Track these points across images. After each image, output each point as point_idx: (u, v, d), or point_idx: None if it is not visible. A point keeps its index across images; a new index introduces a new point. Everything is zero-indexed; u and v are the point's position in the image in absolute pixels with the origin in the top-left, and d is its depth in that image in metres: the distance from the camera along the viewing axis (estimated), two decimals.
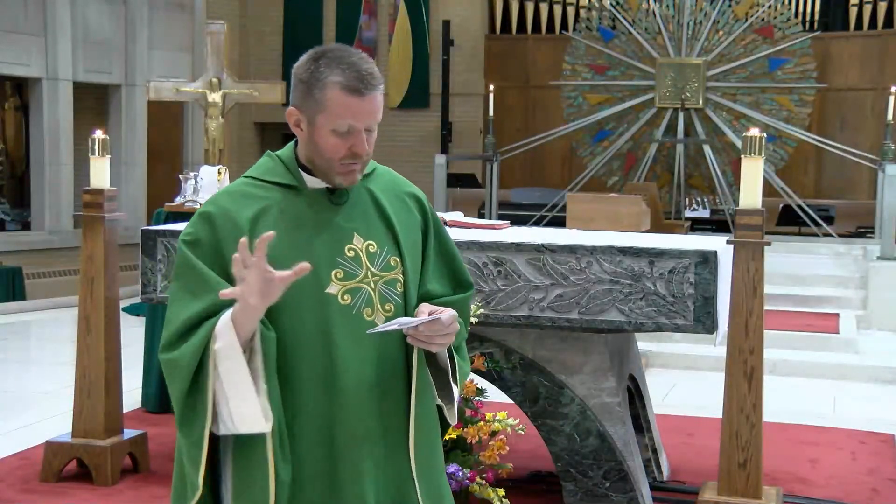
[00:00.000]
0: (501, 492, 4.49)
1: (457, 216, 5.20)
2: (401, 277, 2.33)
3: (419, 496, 2.31)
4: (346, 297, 2.25)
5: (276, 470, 2.18)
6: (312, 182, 2.30)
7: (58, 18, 13.18)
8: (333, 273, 2.24)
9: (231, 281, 2.12)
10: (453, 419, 2.42)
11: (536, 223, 12.38)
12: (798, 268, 10.82)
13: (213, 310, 2.15)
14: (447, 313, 2.23)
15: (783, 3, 15.19)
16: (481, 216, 12.42)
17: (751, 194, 4.37)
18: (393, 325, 2.21)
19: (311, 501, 2.23)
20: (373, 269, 2.29)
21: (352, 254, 2.27)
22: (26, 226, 14.10)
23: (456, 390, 2.38)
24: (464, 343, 2.46)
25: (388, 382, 2.28)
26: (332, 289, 2.24)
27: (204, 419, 2.16)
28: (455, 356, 2.37)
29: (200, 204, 6.63)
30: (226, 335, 2.11)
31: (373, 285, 2.27)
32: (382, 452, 2.28)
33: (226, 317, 2.13)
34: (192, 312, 2.17)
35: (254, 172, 2.34)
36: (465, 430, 4.55)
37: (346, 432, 2.23)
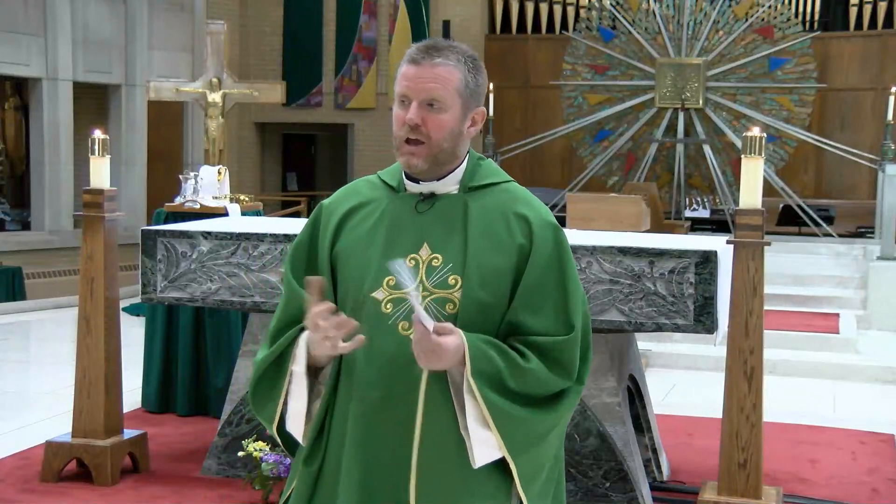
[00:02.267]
0: None
1: None
2: (456, 299, 2.18)
3: None
4: (388, 305, 2.20)
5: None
6: (412, 187, 2.28)
7: (58, 18, 13.18)
8: (386, 280, 2.20)
9: (317, 272, 2.27)
10: (474, 462, 2.17)
11: None
12: (798, 268, 10.82)
13: (292, 320, 2.29)
14: (444, 326, 2.09)
15: (783, 3, 15.20)
16: None
17: (751, 194, 4.37)
18: (411, 289, 2.09)
19: (324, 494, 2.28)
20: (426, 283, 2.19)
21: (412, 264, 2.20)
22: (26, 226, 14.11)
23: (473, 437, 2.15)
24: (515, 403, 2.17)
25: (397, 403, 2.19)
26: (379, 294, 2.21)
27: (273, 412, 2.31)
28: (477, 396, 2.13)
29: (200, 204, 6.70)
30: (300, 362, 2.25)
31: (420, 300, 2.15)
32: (384, 480, 2.20)
33: (302, 341, 2.25)
34: (277, 321, 2.34)
35: (382, 170, 2.39)
36: None
37: (351, 439, 2.22)
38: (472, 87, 2.23)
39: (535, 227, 2.22)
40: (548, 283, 2.20)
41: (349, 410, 2.22)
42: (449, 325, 2.12)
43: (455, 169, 2.27)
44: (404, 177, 2.29)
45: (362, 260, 2.23)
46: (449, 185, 2.27)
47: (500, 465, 2.20)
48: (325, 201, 2.39)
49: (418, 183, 2.27)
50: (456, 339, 2.10)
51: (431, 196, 2.26)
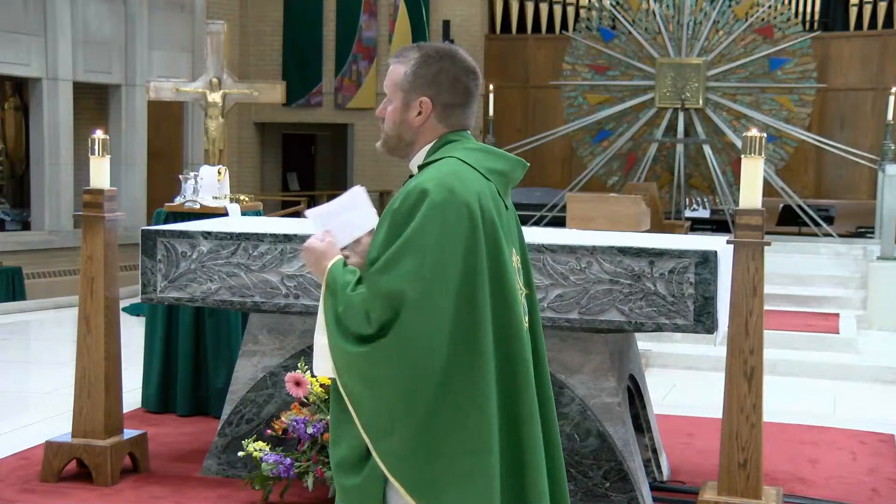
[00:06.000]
0: None
1: None
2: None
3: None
4: None
5: None
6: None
7: (58, 18, 13.18)
8: None
9: None
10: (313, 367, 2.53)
11: (536, 223, 12.38)
12: (798, 268, 10.82)
13: None
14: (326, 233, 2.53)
15: (783, 3, 15.20)
16: None
17: (751, 194, 4.37)
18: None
19: None
20: None
21: None
22: (26, 226, 14.11)
23: (316, 341, 2.50)
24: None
25: None
26: None
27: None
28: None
29: (200, 204, 6.70)
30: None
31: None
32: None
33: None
34: None
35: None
36: None
37: None
38: (411, 80, 2.50)
39: (400, 192, 2.47)
40: (379, 233, 2.45)
41: None
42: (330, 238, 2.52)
43: (417, 153, 2.57)
44: None
45: None
46: (413, 167, 2.59)
47: None
48: None
49: None
50: (328, 248, 2.50)
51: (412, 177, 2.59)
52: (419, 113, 2.52)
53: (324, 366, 2.47)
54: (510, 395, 2.48)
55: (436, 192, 2.39)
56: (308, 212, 2.58)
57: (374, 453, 2.41)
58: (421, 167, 2.54)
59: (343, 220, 2.54)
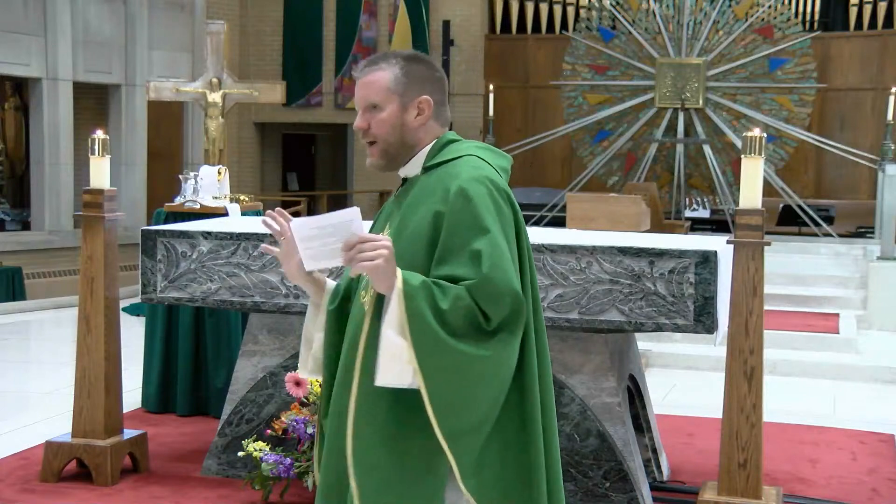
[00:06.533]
0: None
1: None
2: None
3: (351, 479, 2.39)
4: (360, 279, 2.51)
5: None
6: (400, 174, 2.58)
7: (58, 18, 13.18)
8: None
9: None
10: (376, 376, 2.33)
11: (536, 223, 12.38)
12: (798, 268, 10.82)
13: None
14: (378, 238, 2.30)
15: (783, 3, 15.20)
16: None
17: (751, 194, 4.37)
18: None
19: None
20: None
21: None
22: (26, 226, 14.10)
23: (384, 342, 2.29)
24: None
25: (348, 361, 2.45)
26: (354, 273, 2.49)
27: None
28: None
29: (200, 204, 6.70)
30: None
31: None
32: (332, 431, 2.47)
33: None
34: None
35: None
36: None
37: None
38: (405, 81, 2.45)
39: (450, 194, 2.37)
40: (457, 241, 2.33)
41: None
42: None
43: (417, 154, 2.50)
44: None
45: None
46: (414, 168, 2.52)
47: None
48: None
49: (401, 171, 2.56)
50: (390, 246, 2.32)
51: (405, 181, 2.54)
52: (418, 114, 2.47)
53: (397, 371, 2.29)
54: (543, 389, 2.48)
55: (484, 185, 2.37)
56: (296, 222, 2.38)
57: (451, 456, 2.32)
58: (428, 168, 2.48)
59: (329, 243, 2.33)
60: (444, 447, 2.30)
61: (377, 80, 2.45)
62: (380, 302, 2.36)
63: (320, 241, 2.33)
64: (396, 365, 2.28)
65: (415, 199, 2.44)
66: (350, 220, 2.28)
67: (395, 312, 2.26)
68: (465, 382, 2.29)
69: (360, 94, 2.47)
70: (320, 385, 2.69)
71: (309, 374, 2.65)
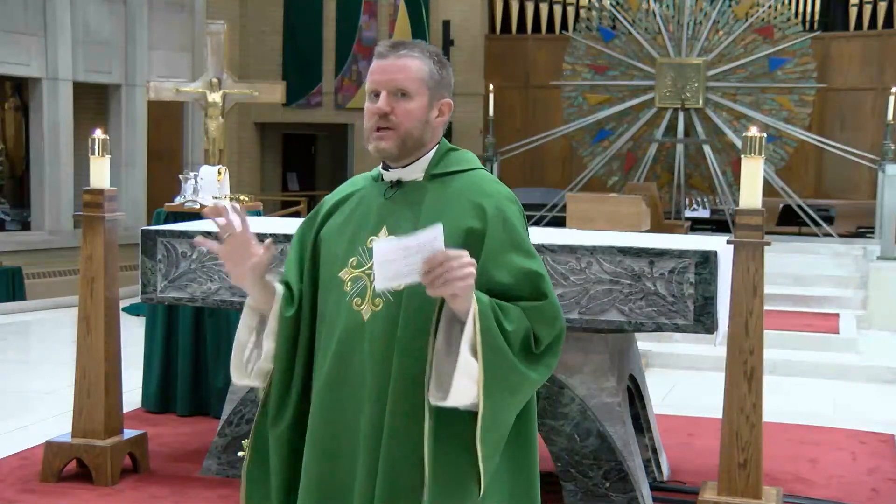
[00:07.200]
0: None
1: None
2: None
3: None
4: (349, 284, 2.36)
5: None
6: (387, 175, 2.42)
7: (58, 18, 13.18)
8: (350, 260, 2.37)
9: (301, 264, 2.47)
10: (447, 396, 2.21)
11: (536, 223, 12.38)
12: (798, 268, 10.82)
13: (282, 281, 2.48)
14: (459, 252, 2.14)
15: (783, 3, 15.20)
16: None
17: (751, 194, 4.37)
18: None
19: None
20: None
21: (371, 245, 2.33)
22: (26, 226, 14.10)
23: (461, 363, 2.18)
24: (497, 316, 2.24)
25: (352, 374, 2.33)
26: (344, 274, 2.37)
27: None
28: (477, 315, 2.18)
29: (200, 204, 6.70)
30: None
31: (371, 278, 2.28)
32: (346, 444, 2.38)
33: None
34: None
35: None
36: None
37: (315, 409, 2.43)
38: (438, 79, 2.36)
39: (487, 214, 2.31)
40: (505, 261, 2.28)
41: (317, 382, 2.40)
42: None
43: (421, 157, 2.39)
44: (381, 167, 2.44)
45: (336, 244, 2.41)
46: (415, 172, 2.40)
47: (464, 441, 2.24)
48: (328, 196, 2.56)
49: (389, 171, 2.41)
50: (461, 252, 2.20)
51: (398, 183, 2.40)
52: (439, 115, 2.38)
53: (470, 391, 2.20)
54: None
55: (515, 204, 2.37)
56: (379, 245, 2.18)
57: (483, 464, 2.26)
58: (435, 175, 2.38)
59: (409, 263, 2.16)
60: (480, 461, 2.24)
61: (413, 67, 2.32)
62: (411, 314, 2.27)
63: (403, 262, 2.15)
64: (471, 385, 2.20)
65: (431, 208, 2.33)
66: (434, 238, 2.12)
67: (469, 332, 2.18)
68: (514, 401, 2.28)
69: (389, 77, 2.31)
70: (265, 393, 2.56)
71: (250, 382, 2.54)
